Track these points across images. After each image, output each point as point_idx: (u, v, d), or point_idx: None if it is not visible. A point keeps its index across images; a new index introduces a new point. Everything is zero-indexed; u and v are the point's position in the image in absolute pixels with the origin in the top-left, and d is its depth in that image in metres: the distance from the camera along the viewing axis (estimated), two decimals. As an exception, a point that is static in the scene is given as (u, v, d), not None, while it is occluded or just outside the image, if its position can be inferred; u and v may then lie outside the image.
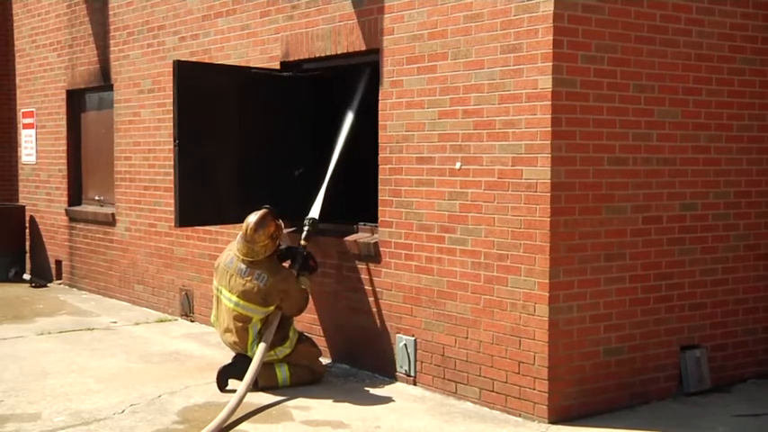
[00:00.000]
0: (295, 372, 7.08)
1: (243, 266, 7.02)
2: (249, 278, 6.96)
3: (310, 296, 7.34)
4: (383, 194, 7.21)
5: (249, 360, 6.87)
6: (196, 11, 9.39)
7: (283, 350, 7.05)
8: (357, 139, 7.71)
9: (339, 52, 7.61)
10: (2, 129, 13.68)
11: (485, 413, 6.33)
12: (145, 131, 10.26)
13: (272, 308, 6.97)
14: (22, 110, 13.25)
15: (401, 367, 7.10)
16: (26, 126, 13.16)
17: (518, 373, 6.18)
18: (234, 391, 6.56)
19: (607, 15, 6.11)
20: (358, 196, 8.09)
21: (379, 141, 7.23)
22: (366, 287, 7.41)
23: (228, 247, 7.33)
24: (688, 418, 6.21)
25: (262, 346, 6.84)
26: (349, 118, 7.67)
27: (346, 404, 6.58)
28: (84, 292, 11.66)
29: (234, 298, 7.01)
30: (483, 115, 6.34)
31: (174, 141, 7.43)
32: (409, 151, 6.96)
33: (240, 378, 6.73)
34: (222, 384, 6.91)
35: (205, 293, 9.43)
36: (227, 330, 7.08)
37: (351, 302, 7.58)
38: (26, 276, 12.64)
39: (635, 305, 6.41)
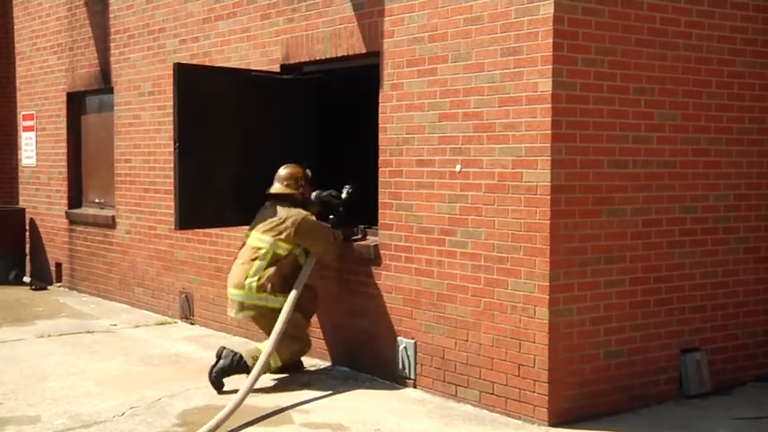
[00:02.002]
0: (282, 347, 7.05)
1: (268, 205, 7.34)
2: (269, 213, 7.25)
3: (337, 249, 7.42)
4: (383, 197, 7.21)
5: (234, 354, 6.94)
6: (196, 14, 9.40)
7: (277, 301, 7.07)
8: (357, 141, 7.71)
9: (339, 55, 7.61)
10: (2, 131, 13.67)
11: (485, 416, 6.32)
12: (145, 134, 10.26)
13: (285, 243, 7.12)
14: (23, 112, 13.26)
15: (401, 370, 7.10)
16: (26, 129, 13.16)
17: (518, 376, 6.17)
18: (235, 391, 6.56)
19: (607, 18, 6.12)
20: (358, 198, 8.08)
21: (380, 144, 7.23)
22: (366, 290, 7.40)
23: None
24: (688, 421, 6.21)
25: (271, 339, 6.82)
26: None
27: (346, 407, 6.58)
28: (84, 294, 11.65)
29: (252, 233, 7.26)
30: (483, 118, 6.34)
31: (175, 144, 7.43)
32: (409, 154, 6.96)
33: (233, 373, 6.86)
34: (218, 386, 6.91)
35: (205, 296, 9.43)
36: (234, 276, 7.21)
37: (351, 305, 7.58)
38: (26, 279, 12.63)
39: (635, 308, 6.41)
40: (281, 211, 7.25)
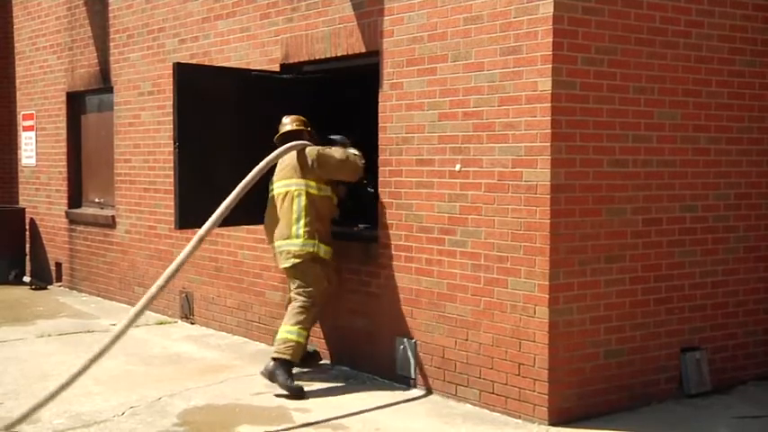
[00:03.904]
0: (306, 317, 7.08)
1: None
2: (284, 159, 7.23)
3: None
4: (383, 196, 7.21)
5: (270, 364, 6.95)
6: (196, 13, 9.39)
7: (322, 249, 7.13)
8: (357, 141, 7.71)
9: (339, 54, 7.61)
10: (2, 131, 13.67)
11: (484, 415, 6.32)
12: (145, 134, 10.27)
13: (312, 181, 7.13)
14: (22, 112, 13.26)
15: (401, 369, 7.10)
16: (26, 128, 13.17)
17: (518, 375, 6.17)
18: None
19: (607, 17, 6.11)
20: (358, 198, 8.08)
21: (379, 143, 7.23)
22: (366, 289, 7.40)
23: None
24: (689, 420, 6.21)
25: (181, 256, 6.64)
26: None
27: (346, 406, 6.58)
28: (84, 294, 11.66)
29: (276, 184, 7.26)
30: (483, 117, 6.34)
31: (174, 144, 7.43)
32: (409, 153, 6.96)
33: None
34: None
35: (205, 296, 9.43)
36: (278, 228, 7.18)
37: (351, 304, 7.57)
38: (26, 279, 12.64)
39: (635, 307, 6.41)
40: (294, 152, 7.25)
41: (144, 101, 10.27)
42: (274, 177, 7.35)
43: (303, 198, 7.12)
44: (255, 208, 7.42)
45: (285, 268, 7.21)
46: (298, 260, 7.10)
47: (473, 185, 6.44)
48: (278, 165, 7.31)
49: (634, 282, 6.39)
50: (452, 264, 6.62)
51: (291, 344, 6.94)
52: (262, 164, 6.87)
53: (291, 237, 7.10)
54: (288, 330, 7.00)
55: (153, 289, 6.29)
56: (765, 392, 6.91)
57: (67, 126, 12.06)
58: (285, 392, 6.77)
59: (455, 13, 6.51)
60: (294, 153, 7.23)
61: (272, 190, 7.35)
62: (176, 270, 6.40)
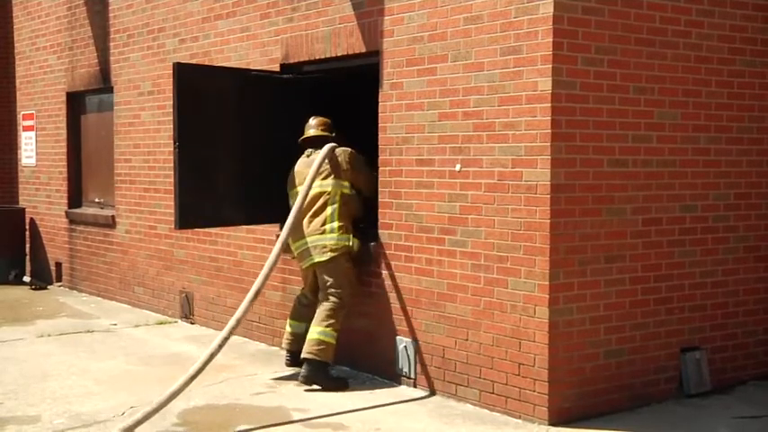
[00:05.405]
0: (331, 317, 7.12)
1: (306, 154, 7.41)
2: (312, 161, 7.26)
3: None
4: (383, 196, 7.21)
5: (306, 363, 7.04)
6: (196, 13, 9.40)
7: (354, 242, 7.22)
8: (357, 141, 7.71)
9: (339, 54, 7.61)
10: (2, 131, 13.67)
11: (484, 415, 6.32)
12: (145, 134, 10.27)
13: (345, 181, 7.24)
14: (22, 112, 13.26)
15: (401, 369, 7.10)
16: (26, 128, 13.17)
17: (518, 375, 6.17)
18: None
19: (607, 17, 6.11)
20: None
21: (379, 143, 7.23)
22: (366, 289, 7.40)
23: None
24: (689, 420, 6.21)
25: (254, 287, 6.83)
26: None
27: (346, 406, 6.58)
28: (84, 294, 11.66)
29: (302, 187, 7.25)
30: (483, 117, 6.35)
31: (174, 143, 7.43)
32: (409, 153, 6.96)
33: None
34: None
35: (205, 296, 9.43)
36: (308, 228, 7.19)
37: (351, 304, 7.56)
38: (26, 278, 12.64)
39: (635, 307, 6.41)
40: (322, 152, 7.29)
41: (144, 101, 10.28)
42: (296, 182, 7.36)
43: (338, 197, 7.21)
44: (254, 209, 7.42)
45: (320, 263, 7.17)
46: (334, 253, 7.13)
47: (473, 185, 6.44)
48: (296, 171, 7.40)
49: (634, 282, 6.39)
50: (452, 264, 6.62)
51: (323, 346, 7.00)
52: (313, 168, 7.12)
53: (326, 232, 7.16)
54: (320, 332, 7.05)
55: (246, 301, 6.66)
56: (765, 392, 6.91)
57: (67, 126, 12.06)
58: (329, 389, 6.97)
59: (455, 13, 6.51)
60: (314, 158, 7.30)
61: (294, 194, 7.36)
62: (264, 281, 6.78)
